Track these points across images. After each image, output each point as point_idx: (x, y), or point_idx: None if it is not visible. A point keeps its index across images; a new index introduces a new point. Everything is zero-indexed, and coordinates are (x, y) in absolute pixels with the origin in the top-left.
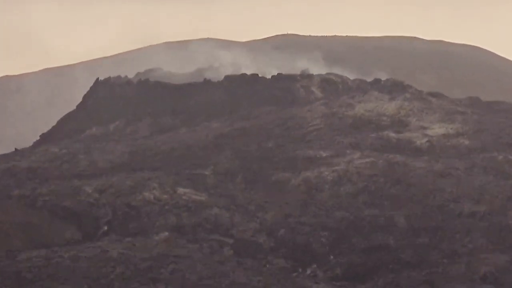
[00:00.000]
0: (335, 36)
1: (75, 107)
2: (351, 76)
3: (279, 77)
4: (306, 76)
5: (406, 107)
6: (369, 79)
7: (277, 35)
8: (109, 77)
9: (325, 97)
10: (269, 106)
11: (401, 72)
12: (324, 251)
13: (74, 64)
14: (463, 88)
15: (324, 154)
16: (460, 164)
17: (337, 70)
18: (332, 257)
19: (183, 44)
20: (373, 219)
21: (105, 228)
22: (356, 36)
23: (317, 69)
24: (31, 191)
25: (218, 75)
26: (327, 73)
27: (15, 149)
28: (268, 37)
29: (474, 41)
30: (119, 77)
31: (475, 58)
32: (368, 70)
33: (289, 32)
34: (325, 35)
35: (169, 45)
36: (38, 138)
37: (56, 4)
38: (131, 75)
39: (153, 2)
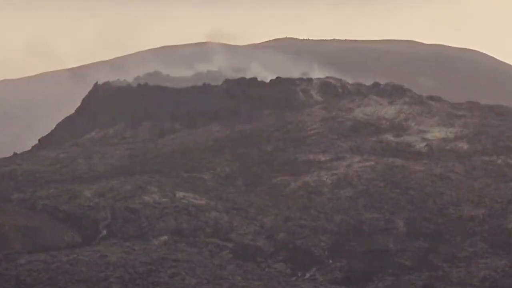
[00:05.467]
0: (334, 39)
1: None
2: (350, 80)
3: (278, 81)
4: (305, 79)
5: (405, 111)
6: (369, 83)
7: (276, 39)
8: (108, 81)
9: (325, 101)
10: (269, 110)
11: (401, 76)
12: (323, 255)
13: (72, 68)
14: (462, 92)
15: (323, 158)
16: (460, 167)
17: (337, 74)
18: (331, 260)
19: (182, 48)
20: (373, 222)
21: (104, 232)
22: (355, 40)
23: (317, 72)
24: (31, 195)
25: (217, 79)
26: (327, 77)
27: (14, 153)
28: (267, 41)
29: (473, 45)
30: (118, 81)
31: (475, 62)
32: (367, 74)
33: (288, 36)
34: (324, 39)
35: (168, 49)
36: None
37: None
38: (130, 79)
39: (152, 6)
